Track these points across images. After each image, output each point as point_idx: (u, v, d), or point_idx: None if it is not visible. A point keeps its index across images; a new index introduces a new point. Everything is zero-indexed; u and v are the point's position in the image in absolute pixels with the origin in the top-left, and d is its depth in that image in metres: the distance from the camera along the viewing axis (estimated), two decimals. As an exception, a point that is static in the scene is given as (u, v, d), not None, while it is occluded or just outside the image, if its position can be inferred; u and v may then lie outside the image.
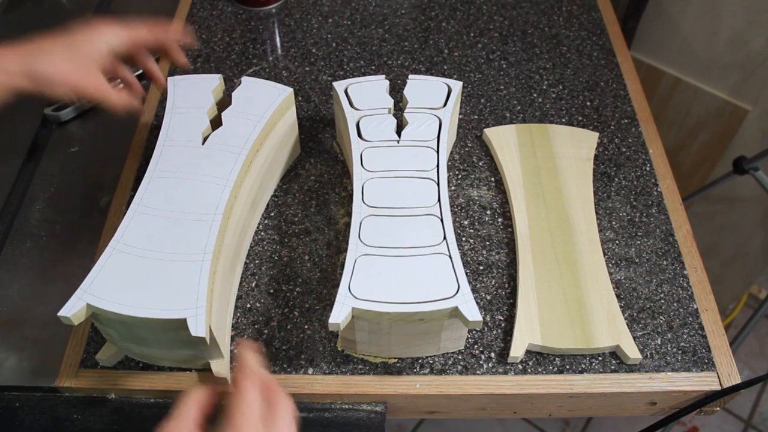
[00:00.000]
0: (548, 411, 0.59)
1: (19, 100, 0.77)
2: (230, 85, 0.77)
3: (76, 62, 0.54)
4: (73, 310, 0.47)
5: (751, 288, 1.52)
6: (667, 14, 1.21)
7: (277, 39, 0.85)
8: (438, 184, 0.57)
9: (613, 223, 0.66)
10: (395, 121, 0.63)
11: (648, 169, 0.71)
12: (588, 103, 0.78)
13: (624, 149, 0.73)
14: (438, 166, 0.59)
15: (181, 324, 0.47)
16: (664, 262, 0.63)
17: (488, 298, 0.60)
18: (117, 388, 0.55)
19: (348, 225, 0.64)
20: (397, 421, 1.45)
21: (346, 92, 0.65)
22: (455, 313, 0.49)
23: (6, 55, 0.53)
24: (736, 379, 0.56)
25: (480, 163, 0.71)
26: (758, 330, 1.59)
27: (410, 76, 0.67)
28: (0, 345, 0.57)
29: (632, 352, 0.55)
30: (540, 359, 0.57)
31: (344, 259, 0.52)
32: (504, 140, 0.71)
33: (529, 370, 0.56)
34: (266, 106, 0.62)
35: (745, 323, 1.11)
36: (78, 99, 0.63)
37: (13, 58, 0.53)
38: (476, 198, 0.68)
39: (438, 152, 0.60)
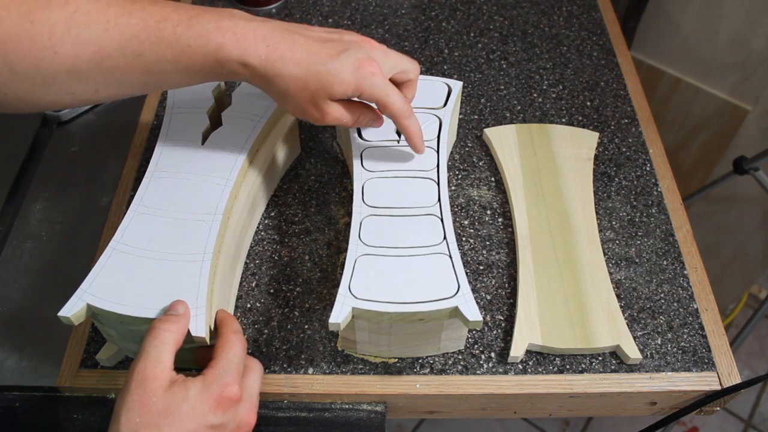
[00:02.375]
0: (548, 411, 0.59)
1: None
2: (230, 85, 0.77)
3: (312, 96, 0.49)
4: (73, 310, 0.47)
5: (751, 288, 1.52)
6: (667, 14, 1.21)
7: (277, 39, 0.85)
8: (438, 184, 0.57)
9: (613, 223, 0.66)
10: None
11: (648, 169, 0.71)
12: (588, 103, 0.78)
13: (624, 149, 0.73)
14: (438, 166, 0.59)
15: (181, 324, 0.47)
16: (664, 262, 0.63)
17: (488, 298, 0.60)
18: (117, 388, 0.55)
19: (348, 225, 0.64)
20: (397, 421, 1.46)
21: (346, 92, 0.65)
22: (455, 313, 0.49)
23: (247, 39, 0.47)
24: (736, 379, 0.56)
25: (480, 163, 0.71)
26: (758, 330, 1.59)
27: (410, 76, 0.67)
28: (0, 345, 0.57)
29: (632, 352, 0.55)
30: (540, 359, 0.57)
31: (344, 259, 0.52)
32: (504, 140, 0.71)
33: (529, 370, 0.56)
34: (266, 106, 0.62)
35: (745, 323, 1.11)
36: None
37: (256, 49, 0.47)
38: (476, 198, 0.68)
39: (438, 152, 0.60)
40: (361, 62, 0.49)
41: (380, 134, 0.62)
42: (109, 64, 0.46)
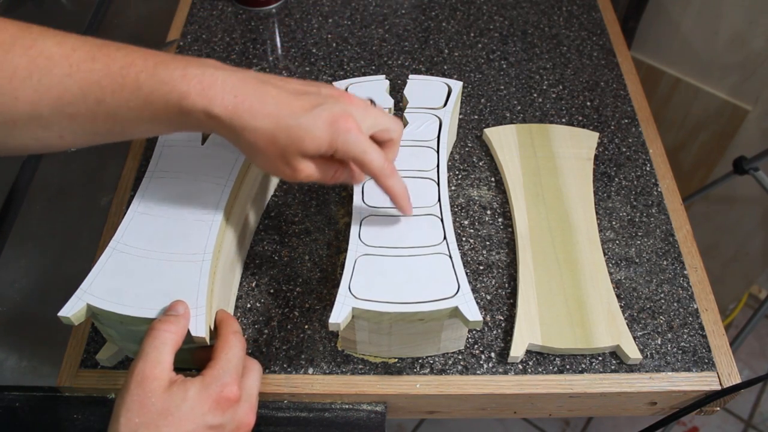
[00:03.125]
0: (548, 411, 0.59)
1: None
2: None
3: (282, 151, 0.45)
4: (73, 310, 0.47)
5: (751, 288, 1.52)
6: (667, 14, 1.21)
7: (277, 39, 0.85)
8: (438, 184, 0.57)
9: (613, 223, 0.66)
10: (395, 121, 0.63)
11: (648, 169, 0.71)
12: (588, 103, 0.78)
13: (624, 149, 0.73)
14: (438, 166, 0.59)
15: (181, 324, 0.47)
16: (664, 262, 0.63)
17: (488, 298, 0.60)
18: (117, 388, 0.55)
19: (348, 225, 0.64)
20: (397, 421, 1.45)
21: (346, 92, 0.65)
22: (455, 313, 0.49)
23: (215, 87, 0.44)
24: (736, 379, 0.56)
25: (480, 163, 0.71)
26: (758, 330, 1.59)
27: (410, 76, 0.67)
28: (0, 345, 0.57)
29: (632, 352, 0.55)
30: (540, 359, 0.57)
31: (344, 259, 0.52)
32: (504, 140, 0.71)
33: (529, 370, 0.56)
34: (266, 106, 0.62)
35: (745, 323, 1.11)
36: None
37: (223, 99, 0.44)
38: (476, 198, 0.68)
39: (438, 152, 0.60)
40: (337, 117, 0.45)
41: (380, 134, 0.62)
42: (71, 111, 0.43)
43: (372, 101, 0.53)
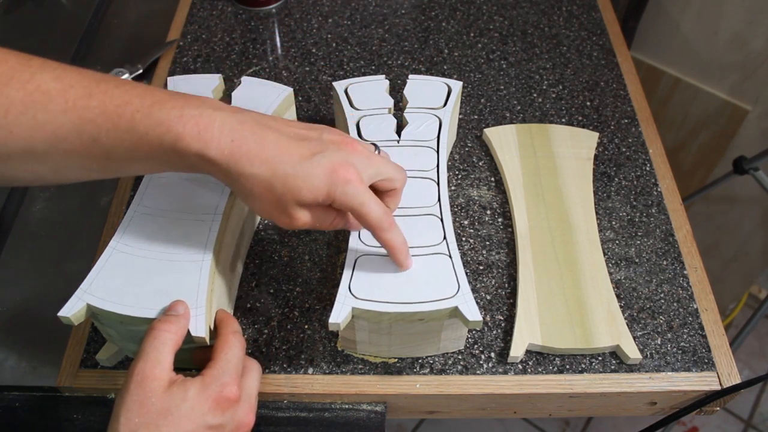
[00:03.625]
0: (548, 411, 0.59)
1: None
2: (230, 85, 0.77)
3: (279, 199, 0.44)
4: (73, 310, 0.47)
5: (751, 288, 1.53)
6: (667, 14, 1.21)
7: (277, 39, 0.85)
8: (438, 184, 0.57)
9: (613, 223, 0.66)
10: (395, 121, 0.63)
11: (648, 169, 0.71)
12: (588, 103, 0.78)
13: (624, 149, 0.73)
14: (438, 166, 0.59)
15: (181, 324, 0.47)
16: (664, 262, 0.63)
17: (488, 298, 0.60)
18: (117, 388, 0.55)
19: (348, 225, 0.64)
20: (397, 421, 1.46)
21: (346, 92, 0.65)
22: (455, 313, 0.49)
23: (212, 131, 0.42)
24: (736, 379, 0.56)
25: (480, 163, 0.71)
26: (758, 330, 1.59)
27: (410, 76, 0.67)
28: (0, 345, 0.57)
29: (632, 352, 0.55)
30: (540, 359, 0.57)
31: (344, 259, 0.52)
32: (504, 140, 0.71)
33: (529, 370, 0.56)
34: (266, 106, 0.62)
35: (745, 323, 1.11)
36: None
37: (220, 143, 0.42)
38: (476, 198, 0.68)
39: (438, 152, 0.60)
40: (336, 167, 0.44)
41: (380, 134, 0.62)
42: (66, 147, 0.42)
43: (376, 147, 0.52)
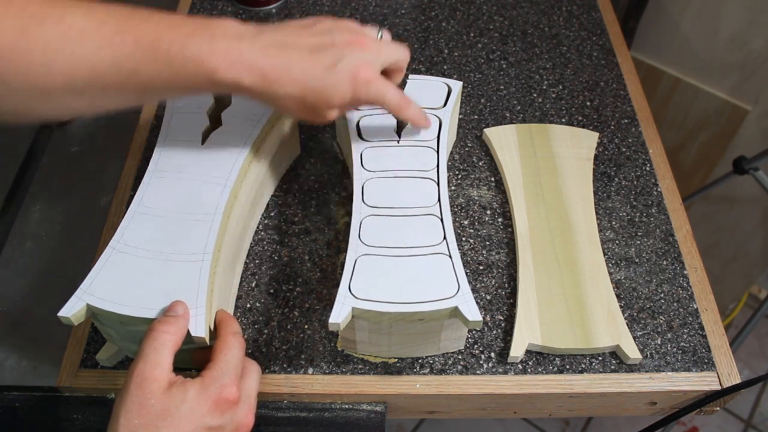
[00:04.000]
0: (548, 411, 0.59)
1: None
2: (230, 85, 0.77)
3: (312, 108, 0.50)
4: (73, 310, 0.47)
5: (751, 288, 1.52)
6: (667, 14, 1.21)
7: (277, 39, 0.85)
8: (438, 184, 0.57)
9: (613, 223, 0.66)
10: (395, 121, 0.63)
11: (648, 169, 0.71)
12: (588, 103, 0.78)
13: (624, 149, 0.73)
14: (438, 166, 0.59)
15: (181, 324, 0.47)
16: (664, 262, 0.63)
17: (488, 298, 0.60)
18: (117, 388, 0.55)
19: (348, 225, 0.64)
20: (397, 421, 1.46)
21: (346, 92, 0.65)
22: (455, 313, 0.49)
23: (242, 62, 0.46)
24: (736, 379, 0.56)
25: (480, 163, 0.71)
26: (758, 330, 1.59)
27: (410, 76, 0.67)
28: (0, 345, 0.57)
29: (632, 352, 0.55)
30: (540, 359, 0.57)
31: (344, 259, 0.52)
32: (504, 140, 0.71)
33: (529, 370, 0.56)
34: (266, 106, 0.62)
35: (745, 323, 1.11)
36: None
37: (251, 72, 0.47)
38: (476, 198, 0.68)
39: (438, 152, 0.60)
40: (356, 70, 0.50)
41: (380, 134, 0.62)
42: (104, 82, 0.45)
43: (379, 29, 0.56)
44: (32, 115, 0.47)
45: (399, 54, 0.56)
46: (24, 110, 0.46)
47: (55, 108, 0.47)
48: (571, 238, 0.63)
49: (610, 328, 0.57)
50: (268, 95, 0.48)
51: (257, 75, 0.47)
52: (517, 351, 0.55)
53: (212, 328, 0.49)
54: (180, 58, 0.45)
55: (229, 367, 0.45)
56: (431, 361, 0.56)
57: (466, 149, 0.72)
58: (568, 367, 0.56)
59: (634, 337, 0.58)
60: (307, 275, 0.61)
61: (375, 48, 0.52)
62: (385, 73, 0.56)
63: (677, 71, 1.26)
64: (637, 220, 0.66)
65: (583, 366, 0.56)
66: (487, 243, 0.64)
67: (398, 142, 0.61)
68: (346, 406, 0.55)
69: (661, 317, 0.59)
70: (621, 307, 0.59)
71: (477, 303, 0.51)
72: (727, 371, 0.57)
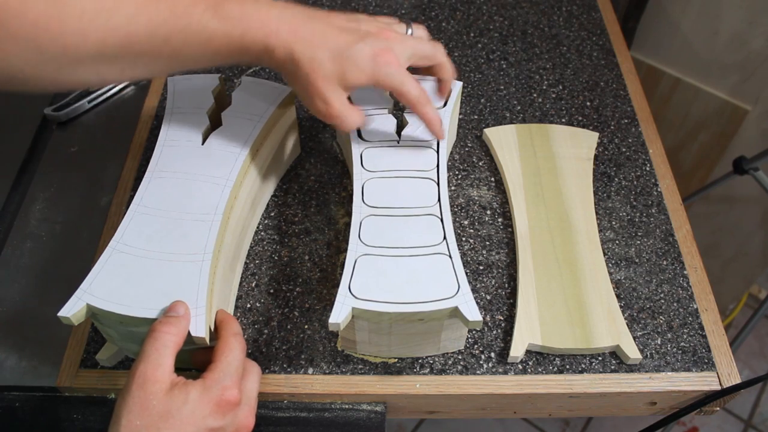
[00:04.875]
0: (548, 411, 0.59)
1: (18, 100, 0.77)
2: (230, 84, 0.77)
3: (326, 82, 0.51)
4: (73, 310, 0.47)
5: (751, 288, 1.53)
6: (667, 14, 1.21)
7: (277, 39, 0.85)
8: (438, 184, 0.57)
9: (613, 223, 0.66)
10: (395, 121, 0.63)
11: (648, 169, 0.71)
12: (588, 103, 0.78)
13: (624, 149, 0.73)
14: (438, 166, 0.59)
15: (181, 324, 0.47)
16: (664, 262, 0.63)
17: (488, 298, 0.60)
18: (117, 388, 0.55)
19: (348, 225, 0.64)
20: (397, 421, 1.46)
21: (346, 92, 0.65)
22: (455, 312, 0.49)
23: (270, 24, 0.48)
24: (736, 379, 0.56)
25: (480, 163, 0.71)
26: (758, 330, 1.59)
27: (410, 76, 0.67)
28: (0, 345, 0.57)
29: (632, 352, 0.55)
30: (540, 359, 0.57)
31: (344, 259, 0.52)
32: (504, 140, 0.71)
33: (529, 370, 0.56)
34: (266, 106, 0.62)
35: (745, 323, 1.11)
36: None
37: (279, 34, 0.48)
38: (476, 198, 0.68)
39: (438, 152, 0.60)
40: (378, 51, 0.51)
41: (380, 134, 0.62)
42: (137, 50, 0.46)
43: (408, 26, 0.58)
44: (62, 84, 0.48)
45: (426, 49, 0.56)
46: (54, 78, 0.47)
47: (85, 76, 0.47)
48: (571, 238, 0.63)
49: (610, 328, 0.57)
50: (290, 58, 0.49)
51: (284, 37, 0.48)
52: (517, 351, 0.55)
53: (212, 328, 0.49)
54: (213, 23, 0.47)
55: (231, 369, 0.45)
56: (431, 361, 0.56)
57: (466, 149, 0.72)
58: (568, 367, 0.56)
59: (634, 337, 0.58)
60: (307, 275, 0.61)
61: (400, 39, 0.54)
62: (426, 70, 0.59)
63: (677, 71, 1.26)
64: (637, 220, 0.66)
65: (583, 366, 0.56)
66: (487, 243, 0.64)
67: (398, 142, 0.61)
68: (346, 406, 0.55)
69: (661, 317, 0.59)
70: (621, 307, 0.59)
71: (477, 303, 0.51)
72: (727, 371, 0.57)
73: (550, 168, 0.69)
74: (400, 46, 0.53)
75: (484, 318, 0.59)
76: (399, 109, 0.66)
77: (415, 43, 0.55)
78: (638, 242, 0.65)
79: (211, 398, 0.43)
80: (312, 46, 0.49)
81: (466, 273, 0.60)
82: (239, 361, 0.46)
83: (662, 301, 0.61)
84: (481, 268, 0.62)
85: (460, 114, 0.76)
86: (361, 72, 0.51)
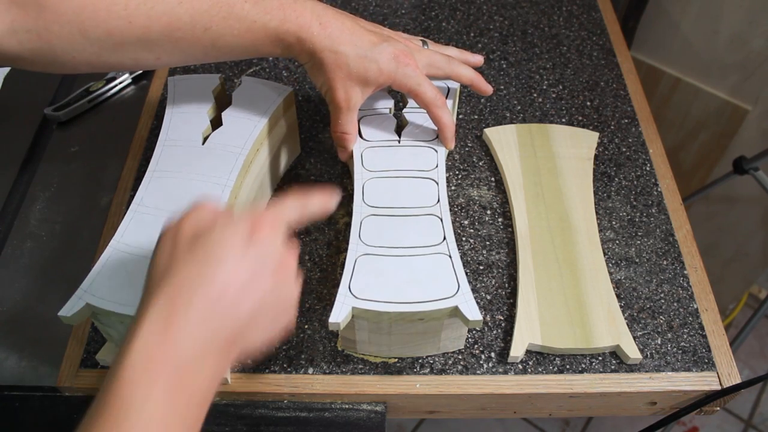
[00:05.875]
0: (548, 411, 0.59)
1: (18, 100, 0.77)
2: (230, 85, 0.77)
3: (347, 76, 0.54)
4: (73, 310, 0.47)
5: (751, 288, 1.53)
6: (667, 14, 1.21)
7: (277, 39, 0.85)
8: (438, 184, 0.57)
9: (613, 223, 0.66)
10: (395, 121, 0.63)
11: (648, 169, 0.71)
12: (588, 103, 0.78)
13: (624, 149, 0.73)
14: (438, 166, 0.59)
15: (181, 324, 0.47)
16: (664, 262, 0.63)
17: (488, 297, 0.60)
18: (117, 388, 0.55)
19: (348, 225, 0.64)
20: (397, 421, 1.46)
21: (346, 92, 0.65)
22: (455, 312, 0.49)
23: (305, 16, 0.52)
24: (736, 379, 0.56)
25: (480, 163, 0.71)
26: (758, 330, 1.59)
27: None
28: (0, 345, 0.57)
29: (632, 352, 0.55)
30: (540, 359, 0.57)
31: (344, 258, 0.52)
32: (504, 140, 0.71)
33: (529, 370, 0.56)
34: (266, 106, 0.62)
35: (745, 323, 1.11)
36: None
37: (311, 26, 0.52)
38: (476, 198, 0.68)
39: (438, 152, 0.60)
40: (398, 53, 0.55)
41: (380, 134, 0.62)
42: (178, 36, 0.48)
43: (425, 42, 0.63)
44: (98, 66, 0.49)
45: (443, 62, 0.59)
46: (92, 61, 0.48)
47: (122, 60, 0.49)
48: (571, 238, 0.63)
49: (610, 328, 0.57)
50: (318, 49, 0.52)
51: (315, 29, 0.51)
52: (517, 351, 0.55)
53: None
54: (253, 13, 0.49)
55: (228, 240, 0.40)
56: (431, 361, 0.56)
57: (466, 149, 0.72)
58: (568, 367, 0.56)
59: (634, 337, 0.58)
60: (307, 275, 0.61)
61: (418, 49, 0.58)
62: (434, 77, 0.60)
63: (677, 71, 1.26)
64: (637, 220, 0.66)
65: (583, 366, 0.56)
66: (487, 243, 0.64)
67: (398, 142, 0.61)
68: (346, 406, 0.55)
69: (661, 317, 0.59)
70: (621, 307, 0.59)
71: (477, 303, 0.51)
72: (727, 371, 0.57)
73: (550, 168, 0.69)
74: (419, 53, 0.57)
75: (484, 318, 0.59)
76: (399, 109, 0.66)
77: (431, 54, 0.59)
78: (638, 242, 0.65)
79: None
80: (340, 41, 0.53)
81: (466, 273, 0.60)
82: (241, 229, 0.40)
83: (662, 301, 0.61)
84: (481, 268, 0.62)
85: (460, 114, 0.76)
86: (381, 70, 0.54)
